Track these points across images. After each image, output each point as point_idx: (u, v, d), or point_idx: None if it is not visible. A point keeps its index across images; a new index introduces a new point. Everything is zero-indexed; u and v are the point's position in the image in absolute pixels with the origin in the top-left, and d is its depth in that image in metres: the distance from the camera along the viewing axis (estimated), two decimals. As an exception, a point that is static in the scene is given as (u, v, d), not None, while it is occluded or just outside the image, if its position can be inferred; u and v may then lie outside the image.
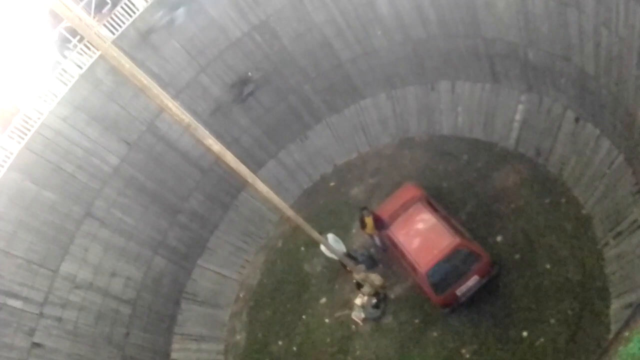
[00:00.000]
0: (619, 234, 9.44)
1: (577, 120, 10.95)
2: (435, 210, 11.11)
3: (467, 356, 10.04)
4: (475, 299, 10.30)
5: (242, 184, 13.09)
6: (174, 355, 12.27)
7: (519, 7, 10.13)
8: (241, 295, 13.86)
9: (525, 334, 9.74)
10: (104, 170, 11.77)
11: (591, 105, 10.38)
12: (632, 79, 8.52)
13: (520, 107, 12.20)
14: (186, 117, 6.75)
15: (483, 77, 12.69)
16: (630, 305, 8.63)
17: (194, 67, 12.73)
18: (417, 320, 11.01)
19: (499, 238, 11.17)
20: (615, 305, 9.03)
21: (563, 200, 10.95)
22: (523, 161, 12.02)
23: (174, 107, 6.57)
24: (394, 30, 12.76)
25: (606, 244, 9.74)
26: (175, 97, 11.94)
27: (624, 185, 9.52)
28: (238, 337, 13.09)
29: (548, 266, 10.25)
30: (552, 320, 9.60)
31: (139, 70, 5.97)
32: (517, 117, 12.26)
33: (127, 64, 5.79)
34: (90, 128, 11.50)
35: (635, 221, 9.15)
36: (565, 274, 9.99)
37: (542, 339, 9.52)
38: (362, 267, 11.52)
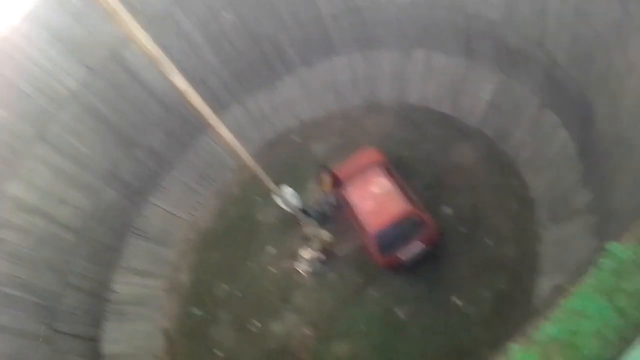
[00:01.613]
0: (559, 219, 9.97)
1: (540, 106, 11.25)
2: (392, 176, 11.33)
3: (402, 316, 10.54)
4: (417, 265, 10.73)
5: (204, 126, 12.77)
6: (115, 287, 12.25)
7: (503, -15, 10.15)
8: (190, 237, 13.87)
9: (458, 302, 10.28)
10: (61, 93, 11.26)
11: (556, 95, 10.66)
12: (598, 74, 8.79)
13: (490, 86, 12.38)
14: (154, 49, 6.51)
15: (458, 52, 12.74)
16: (557, 286, 9.21)
17: (169, -3, 12.18)
18: (359, 279, 11.39)
19: (449, 210, 11.55)
20: (543, 284, 9.63)
21: (514, 181, 11.38)
22: (483, 140, 12.32)
23: (143, 37, 6.32)
24: (379, -10, 12.54)
25: (545, 227, 10.28)
26: (145, 27, 11.40)
27: (572, 175, 9.97)
28: (183, 277, 13.19)
29: (489, 241, 10.74)
30: (484, 292, 10.16)
31: (109, -8, 5.66)
32: (485, 96, 12.46)
33: (96, -17, 5.48)
34: (52, 48, 10.90)
35: (575, 210, 9.66)
36: (503, 250, 10.52)
37: (472, 307, 10.09)
38: (314, 222, 11.74)
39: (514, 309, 9.72)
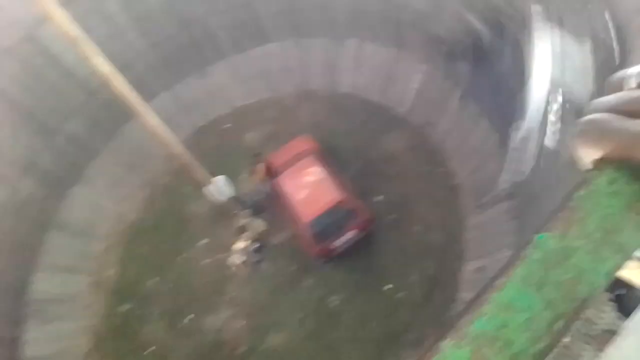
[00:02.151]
0: (482, 205, 10.50)
1: (463, 97, 11.73)
2: (325, 164, 11.43)
3: (335, 304, 10.74)
4: (349, 252, 10.93)
5: (130, 113, 12.26)
6: (35, 285, 11.52)
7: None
8: (118, 229, 13.27)
9: (388, 287, 10.61)
10: (-31, 76, 10.36)
11: (478, 86, 11.15)
12: (519, 65, 9.27)
13: (418, 76, 12.73)
14: (73, 30, 6.11)
15: (389, 42, 12.98)
16: (481, 268, 9.74)
17: (90, -26, 11.46)
18: (293, 268, 11.44)
19: (379, 198, 11.83)
20: (467, 267, 10.14)
21: (440, 169, 11.84)
22: (412, 129, 12.68)
23: (61, 16, 5.91)
24: (311, -23, 12.48)
25: (469, 213, 10.80)
26: (64, 5, 10.69)
27: (494, 163, 10.52)
28: (110, 271, 12.64)
29: (417, 228, 11.14)
30: (413, 277, 10.56)
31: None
32: (414, 85, 12.80)
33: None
34: (-44, 25, 9.98)
35: (497, 196, 10.20)
36: (430, 236, 10.96)
37: (402, 293, 10.46)
38: (247, 212, 11.62)
39: (442, 293, 10.18)
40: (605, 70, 6.61)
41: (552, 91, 8.17)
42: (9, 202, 11.25)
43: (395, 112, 13.07)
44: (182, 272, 12.14)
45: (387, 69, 13.20)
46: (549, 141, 8.33)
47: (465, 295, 9.89)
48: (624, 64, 5.24)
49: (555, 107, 8.18)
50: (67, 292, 11.94)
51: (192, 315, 11.47)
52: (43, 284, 11.61)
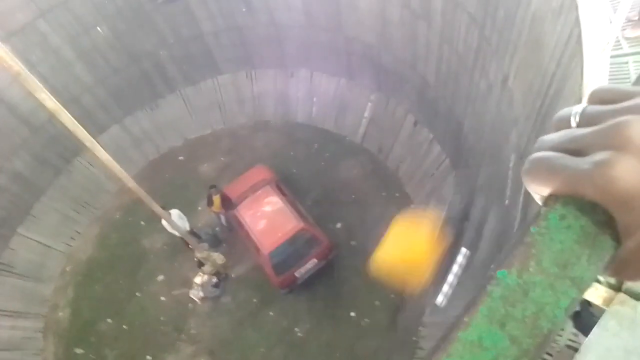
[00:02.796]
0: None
1: (415, 124, 12.12)
2: (283, 194, 11.42)
3: (300, 334, 10.59)
4: (311, 281, 10.88)
5: (78, 148, 11.91)
6: (-18, 333, 10.79)
7: (378, 12, 10.80)
8: (68, 269, 12.67)
9: (353, 314, 10.60)
10: None
11: (428, 112, 11.57)
12: (464, 93, 9.70)
13: (370, 105, 13.08)
14: (16, 64, 5.90)
15: (340, 72, 13.31)
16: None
17: (31, 9, 11.15)
18: (255, 300, 11.25)
19: (338, 225, 11.91)
20: (430, 289, 10.28)
21: (397, 194, 12.09)
22: (367, 156, 12.94)
23: (2, 50, 5.71)
24: (260, 10, 12.68)
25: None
26: (5, 40, 10.33)
27: (447, 186, 10.84)
28: (61, 314, 11.98)
29: (378, 253, 11.24)
30: (377, 303, 10.60)
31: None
32: (366, 114, 13.13)
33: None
34: None
35: (451, 218, 10.48)
36: (392, 261, 11.06)
37: (367, 319, 10.47)
38: (205, 245, 11.36)
39: (407, 317, 10.26)
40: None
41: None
42: (-53, 246, 10.55)
43: (349, 139, 13.33)
44: (138, 311, 11.67)
45: (339, 99, 13.49)
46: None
47: (430, 318, 10.01)
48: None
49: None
50: (15, 338, 11.19)
51: (151, 356, 10.99)
52: (-12, 332, 10.86)
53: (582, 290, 0.54)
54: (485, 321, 0.56)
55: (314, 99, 13.89)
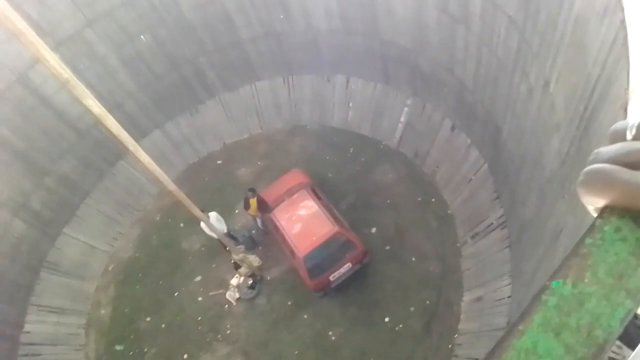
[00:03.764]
0: (476, 234, 10.58)
1: (452, 128, 11.97)
2: (318, 198, 11.48)
3: (334, 338, 10.60)
4: (345, 285, 10.87)
5: (122, 152, 12.33)
6: (28, 327, 11.27)
7: (415, 16, 10.75)
8: (110, 269, 13.12)
9: (387, 319, 10.53)
10: (-39, 119, 10.37)
11: (466, 117, 11.41)
12: (503, 97, 9.53)
13: (406, 109, 13.00)
14: (65, 72, 6.19)
15: (376, 77, 13.30)
16: (479, 298, 9.73)
17: (79, 19, 11.66)
18: (289, 303, 11.33)
19: (373, 229, 11.87)
20: (466, 297, 10.13)
21: (433, 200, 11.95)
22: (402, 160, 12.86)
23: (52, 59, 5.99)
24: (297, 16, 12.83)
25: (465, 242, 10.86)
26: (55, 49, 10.84)
27: (485, 192, 10.66)
28: (103, 311, 12.41)
29: (413, 259, 11.15)
30: (412, 308, 10.49)
31: (14, 13, 5.34)
32: (402, 118, 13.06)
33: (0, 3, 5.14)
34: (-50, 71, 10.06)
35: (490, 224, 10.30)
36: (427, 267, 10.95)
37: (401, 325, 10.37)
38: (241, 247, 11.54)
39: (441, 324, 10.11)
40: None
41: None
42: (0, 243, 11.10)
43: (384, 144, 13.28)
44: (175, 311, 11.95)
45: (375, 103, 13.47)
46: None
47: (465, 325, 9.84)
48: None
49: None
50: (60, 334, 11.67)
51: (187, 355, 11.23)
52: (36, 326, 11.36)
53: (638, 301, 0.54)
54: (540, 330, 0.56)
55: (350, 104, 13.92)
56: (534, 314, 0.58)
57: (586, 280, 0.58)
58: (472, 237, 10.71)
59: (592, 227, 0.59)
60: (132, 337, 11.81)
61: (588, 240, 0.58)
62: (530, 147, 8.72)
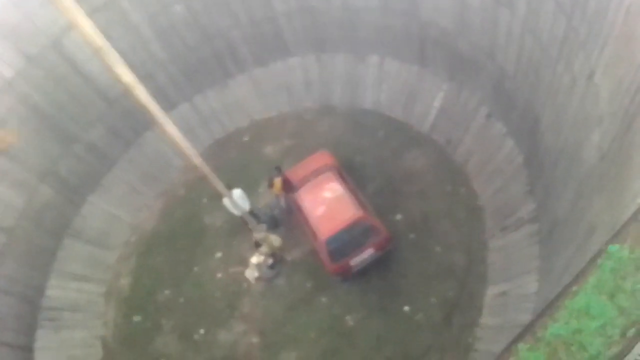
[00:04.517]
0: (505, 228, 10.21)
1: (488, 116, 11.50)
2: (344, 181, 11.24)
3: (351, 323, 10.45)
4: (367, 271, 10.67)
5: (149, 123, 12.30)
6: (49, 292, 11.48)
7: (457, -4, 10.28)
8: (132, 240, 13.22)
9: (406, 308, 10.31)
10: (-5, 82, 10.43)
11: (504, 105, 10.93)
12: (544, 86, 9.05)
13: (441, 94, 12.55)
14: (98, 39, 6.06)
15: (412, 59, 12.85)
16: (503, 293, 9.42)
17: (114, -14, 11.57)
18: (309, 285, 11.21)
19: (399, 216, 11.58)
20: (490, 291, 9.82)
21: (462, 189, 11.57)
22: (433, 147, 12.46)
23: (87, 25, 5.86)
24: (334, -8, 12.45)
25: (493, 235, 10.50)
26: (89, 15, 10.77)
27: (518, 184, 10.24)
28: (123, 281, 12.54)
29: (438, 249, 10.85)
30: (433, 299, 10.24)
31: (51, -23, 5.19)
32: (436, 103, 12.62)
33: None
34: (-14, 34, 10.10)
35: (520, 218, 9.91)
36: (452, 257, 10.65)
37: (420, 314, 10.15)
38: (263, 226, 11.43)
39: (462, 316, 9.85)
40: None
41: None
42: (27, 207, 11.26)
43: (416, 129, 12.89)
44: (195, 285, 11.99)
45: (409, 86, 13.05)
46: None
47: (487, 319, 9.55)
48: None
49: None
50: (80, 301, 11.87)
51: (204, 330, 11.27)
52: (57, 291, 11.57)
53: None
54: (595, 291, 0.41)
55: (383, 86, 13.53)
56: (588, 276, 0.39)
57: None
58: (501, 230, 10.34)
59: None
60: (150, 309, 11.91)
61: None
62: (570, 140, 8.30)
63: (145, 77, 12.22)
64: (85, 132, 12.53)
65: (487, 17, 9.98)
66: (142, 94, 6.92)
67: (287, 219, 12.30)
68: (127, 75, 6.60)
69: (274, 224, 12.18)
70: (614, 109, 6.25)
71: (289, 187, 11.63)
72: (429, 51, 12.24)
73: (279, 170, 11.65)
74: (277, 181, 11.60)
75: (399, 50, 12.90)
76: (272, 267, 11.51)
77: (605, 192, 6.24)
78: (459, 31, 10.95)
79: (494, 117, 11.35)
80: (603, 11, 6.38)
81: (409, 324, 10.11)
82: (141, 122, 13.12)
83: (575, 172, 7.88)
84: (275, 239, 11.38)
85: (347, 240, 10.23)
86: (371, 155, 12.81)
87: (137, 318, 11.88)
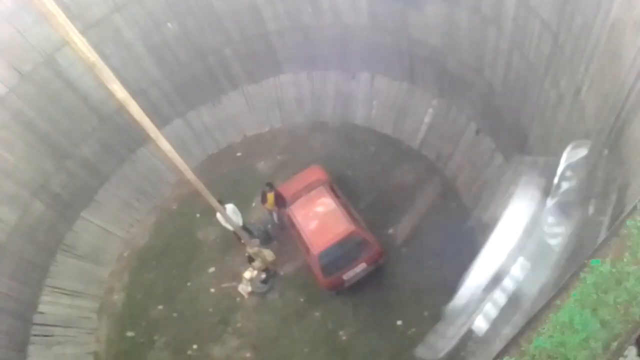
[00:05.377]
0: (496, 242, 10.31)
1: (477, 132, 11.71)
2: (336, 195, 11.36)
3: (344, 338, 10.48)
4: (359, 285, 10.73)
5: (142, 139, 12.38)
6: (42, 308, 11.39)
7: (445, 15, 10.51)
8: (125, 255, 13.19)
9: (399, 322, 10.37)
10: (-12, 98, 10.48)
11: (492, 121, 11.15)
12: (532, 103, 9.27)
13: (430, 110, 12.77)
14: (92, 56, 6.17)
15: (402, 76, 13.09)
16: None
17: (108, 3, 11.69)
18: (302, 299, 11.24)
19: (390, 230, 11.70)
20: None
21: (453, 204, 11.72)
22: (424, 162, 12.65)
23: (80, 41, 5.98)
24: (325, 10, 12.68)
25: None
26: (83, 32, 10.87)
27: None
28: (116, 297, 12.49)
29: (430, 262, 10.95)
30: (425, 313, 10.31)
31: (46, -6, 5.32)
32: (426, 119, 12.83)
33: (32, -16, 5.13)
34: (-20, 50, 10.17)
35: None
36: (444, 271, 10.72)
37: (413, 329, 10.20)
38: (256, 241, 11.51)
39: (453, 329, 9.90)
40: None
41: (501, 273, 7.39)
42: (19, 223, 11.22)
43: (407, 144, 13.08)
44: (188, 300, 11.97)
45: (400, 103, 13.27)
46: (479, 326, 7.64)
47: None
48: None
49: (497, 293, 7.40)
50: (72, 316, 11.79)
51: (197, 345, 11.23)
52: (49, 307, 11.49)
53: None
54: (577, 305, 0.51)
55: (374, 102, 13.74)
56: (571, 290, 0.51)
57: (625, 260, 0.50)
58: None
59: (633, 209, 0.52)
60: (143, 324, 11.86)
61: (629, 222, 0.52)
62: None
63: (139, 93, 12.39)
64: (79, 148, 12.56)
65: (475, 35, 10.22)
66: (136, 110, 7.01)
67: (280, 234, 12.37)
68: (120, 92, 6.70)
69: (267, 239, 12.24)
70: (601, 125, 6.38)
71: (281, 202, 11.72)
72: (419, 68, 12.48)
73: (271, 185, 11.75)
74: (270, 196, 11.68)
75: (389, 68, 13.13)
76: (265, 281, 11.54)
77: (593, 208, 6.34)
78: (448, 49, 11.19)
79: (483, 133, 11.56)
80: (588, 28, 6.55)
81: (402, 338, 10.16)
82: (134, 138, 13.19)
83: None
84: (268, 254, 11.43)
85: (339, 255, 10.31)
86: (362, 170, 12.96)
87: (130, 333, 11.81)
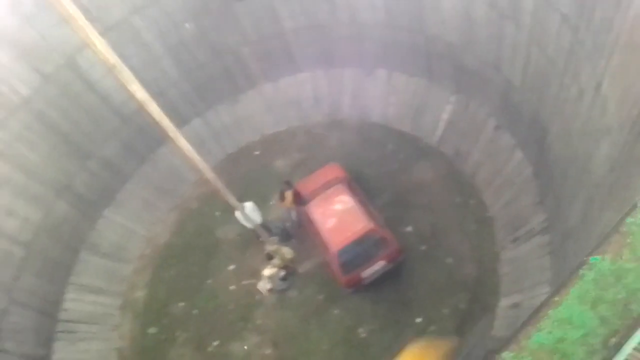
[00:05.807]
0: (516, 239, 10.24)
1: (497, 128, 11.60)
2: (354, 193, 11.37)
3: (363, 335, 10.50)
4: (378, 283, 10.74)
5: (162, 138, 12.45)
6: (66, 305, 11.66)
7: (462, 11, 10.43)
8: (147, 253, 13.42)
9: (419, 320, 10.35)
10: (11, 100, 10.71)
11: (512, 116, 11.03)
12: (552, 98, 9.15)
13: (448, 107, 12.68)
14: (112, 57, 6.31)
15: (419, 73, 13.02)
16: (515, 304, 9.44)
17: (127, 5, 11.88)
18: (321, 297, 11.30)
19: (409, 228, 11.67)
20: (502, 303, 9.83)
21: (472, 201, 11.64)
22: (442, 159, 12.57)
23: (100, 43, 6.11)
24: (342, 9, 12.69)
25: (503, 247, 10.53)
26: (102, 34, 11.06)
27: (528, 196, 10.30)
28: (138, 294, 12.71)
29: (449, 260, 10.91)
30: (445, 310, 10.28)
31: (66, -3, 5.45)
32: (444, 116, 12.75)
33: (53, -13, 5.26)
34: (2, 53, 10.39)
35: (531, 230, 9.95)
36: (463, 269, 10.69)
37: (433, 326, 10.18)
38: (275, 239, 11.60)
39: (473, 327, 9.85)
40: None
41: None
42: (44, 222, 11.50)
43: (425, 141, 13.02)
44: (209, 297, 12.12)
45: (417, 99, 13.21)
46: None
47: (499, 331, 9.56)
48: None
49: None
50: (96, 313, 12.04)
51: (218, 342, 11.37)
52: (73, 304, 11.75)
53: None
54: (576, 301, 0.54)
55: (391, 99, 13.70)
56: (570, 287, 0.53)
57: (624, 257, 0.53)
58: (512, 241, 10.38)
59: (633, 207, 0.54)
60: (165, 321, 12.05)
61: (629, 219, 0.54)
62: (579, 150, 8.36)
63: (158, 94, 12.51)
64: (100, 148, 12.81)
65: (492, 30, 10.12)
66: (156, 110, 7.15)
67: (299, 231, 12.43)
68: (140, 92, 6.84)
69: (285, 237, 12.31)
70: (622, 120, 6.30)
71: (299, 200, 11.78)
72: (436, 65, 12.40)
73: (289, 183, 11.81)
74: (288, 194, 11.75)
75: (406, 64, 13.08)
76: (284, 279, 11.62)
77: (616, 203, 6.26)
78: (465, 45, 11.11)
79: (503, 129, 11.44)
80: (608, 22, 6.45)
81: (421, 335, 10.14)
82: (155, 138, 13.36)
83: (585, 183, 7.92)
84: (287, 252, 11.51)
85: (358, 252, 10.32)
86: (380, 168, 12.95)
87: (152, 330, 12.02)
